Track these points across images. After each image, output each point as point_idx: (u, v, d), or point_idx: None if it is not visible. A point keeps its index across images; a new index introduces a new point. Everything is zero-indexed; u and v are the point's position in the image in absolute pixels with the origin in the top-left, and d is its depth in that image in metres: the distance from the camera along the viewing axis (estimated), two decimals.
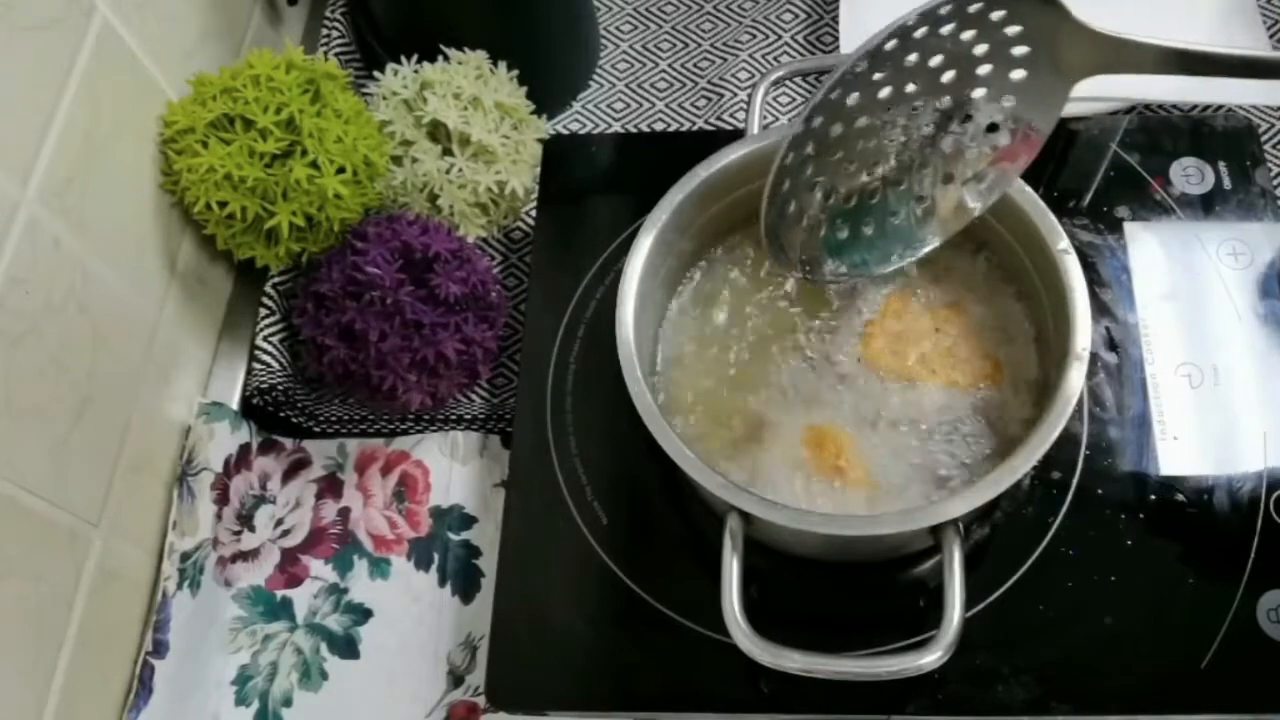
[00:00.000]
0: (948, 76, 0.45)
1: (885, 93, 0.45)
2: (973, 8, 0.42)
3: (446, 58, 0.65)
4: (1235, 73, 0.43)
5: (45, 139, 0.51)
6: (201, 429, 0.62)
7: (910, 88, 0.45)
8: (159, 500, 0.60)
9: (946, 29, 0.43)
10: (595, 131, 0.74)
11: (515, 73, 0.66)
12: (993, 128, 0.47)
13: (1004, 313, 0.54)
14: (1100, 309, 0.57)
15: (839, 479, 0.51)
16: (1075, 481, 0.54)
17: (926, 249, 0.52)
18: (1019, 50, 0.44)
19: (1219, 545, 0.52)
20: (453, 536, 0.61)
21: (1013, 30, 0.43)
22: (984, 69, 0.45)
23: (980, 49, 0.44)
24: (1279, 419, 0.54)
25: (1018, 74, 0.46)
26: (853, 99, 0.44)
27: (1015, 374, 0.53)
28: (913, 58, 0.43)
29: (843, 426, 0.52)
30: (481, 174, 0.63)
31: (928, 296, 0.55)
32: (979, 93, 0.46)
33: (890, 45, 0.42)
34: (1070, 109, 0.66)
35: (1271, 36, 0.70)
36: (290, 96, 0.57)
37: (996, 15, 0.42)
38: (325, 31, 0.76)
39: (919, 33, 0.42)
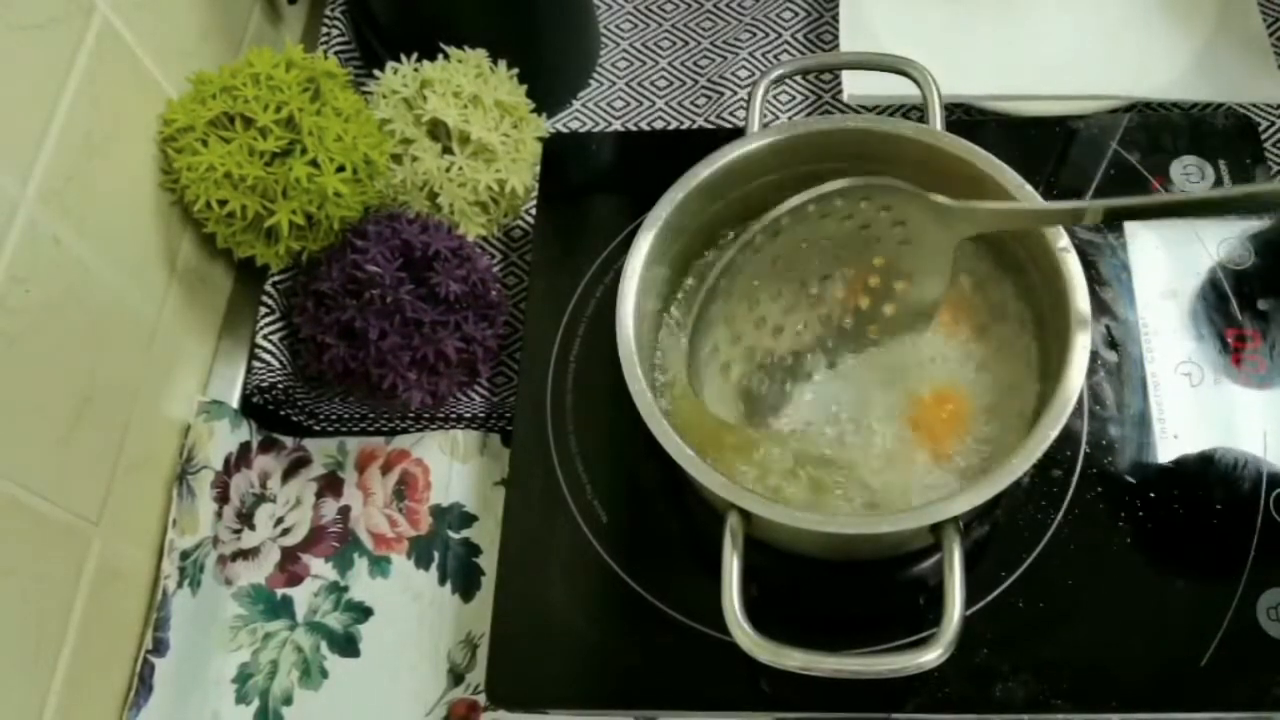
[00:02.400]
0: (841, 253, 0.51)
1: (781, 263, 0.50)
2: (862, 203, 0.49)
3: (446, 56, 0.65)
4: (1059, 221, 0.49)
5: (45, 138, 0.51)
6: (201, 427, 0.62)
7: (814, 263, 0.51)
8: (159, 499, 0.60)
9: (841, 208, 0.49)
10: (595, 130, 0.74)
11: (515, 71, 0.66)
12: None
13: (1003, 312, 0.55)
14: (1100, 307, 0.57)
15: (926, 440, 0.51)
16: (1075, 480, 0.54)
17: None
18: (897, 231, 0.50)
19: (1219, 543, 0.52)
20: (453, 535, 0.61)
21: (885, 215, 0.50)
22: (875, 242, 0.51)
23: (862, 227, 0.50)
24: (1279, 418, 0.54)
25: (901, 239, 0.51)
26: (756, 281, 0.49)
27: (1013, 374, 0.53)
28: (807, 237, 0.49)
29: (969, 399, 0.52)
30: (481, 172, 0.63)
31: None
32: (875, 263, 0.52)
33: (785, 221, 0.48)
34: (1071, 107, 0.67)
35: (1271, 35, 0.70)
36: (290, 95, 0.57)
37: (885, 211, 0.49)
38: (325, 30, 0.76)
39: (811, 208, 0.49)
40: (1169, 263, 0.59)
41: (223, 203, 0.57)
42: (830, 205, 0.48)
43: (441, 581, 0.60)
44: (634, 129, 0.73)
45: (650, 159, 0.66)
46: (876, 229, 0.50)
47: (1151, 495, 0.53)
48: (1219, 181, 0.61)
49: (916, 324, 0.53)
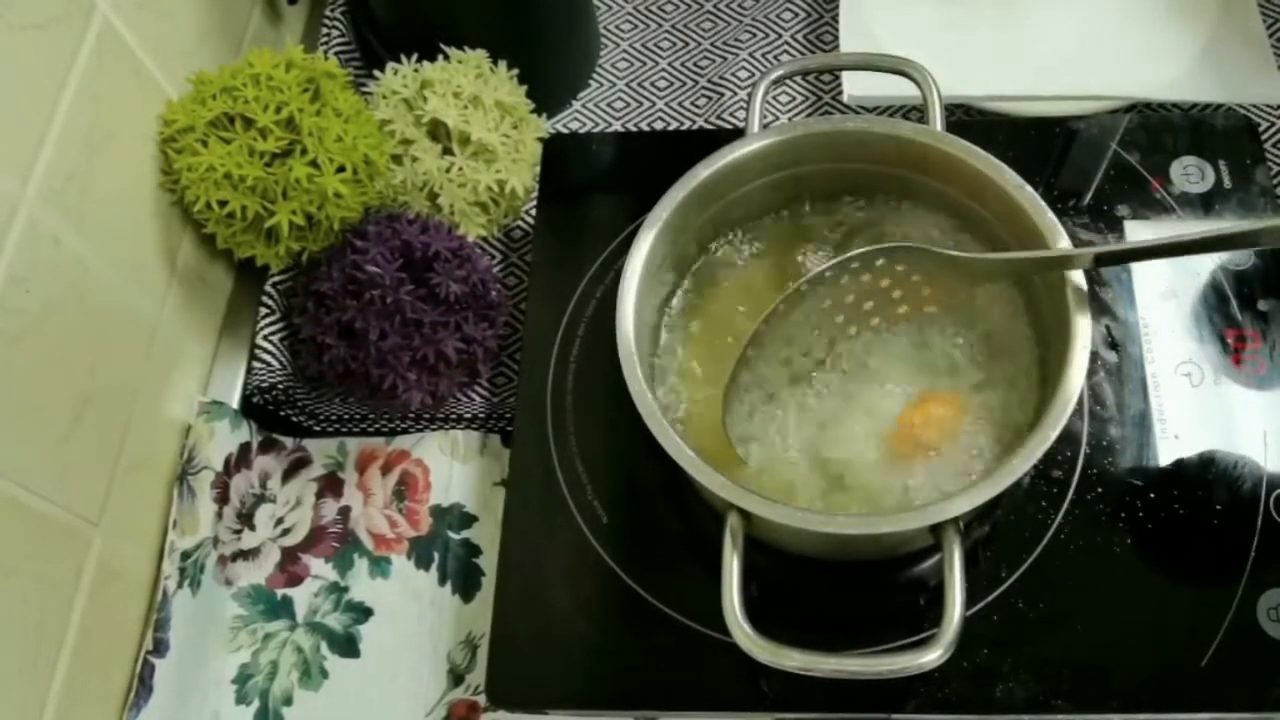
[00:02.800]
0: (868, 306, 0.53)
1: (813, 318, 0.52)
2: (878, 261, 0.51)
3: (446, 56, 0.65)
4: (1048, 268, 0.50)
5: (45, 138, 0.51)
6: (202, 428, 0.62)
7: (839, 319, 0.53)
8: (159, 499, 0.60)
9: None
10: (595, 130, 0.74)
11: (515, 71, 0.66)
12: None
13: (1002, 311, 0.55)
14: (1100, 307, 0.57)
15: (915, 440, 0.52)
16: (1075, 480, 0.54)
17: None
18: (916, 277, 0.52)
19: (1219, 544, 0.52)
20: (453, 535, 0.61)
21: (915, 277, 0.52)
22: (897, 293, 0.53)
23: (885, 282, 0.52)
24: (1279, 418, 0.54)
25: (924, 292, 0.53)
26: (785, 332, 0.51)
27: (1015, 374, 0.53)
28: (828, 303, 0.51)
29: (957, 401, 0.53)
30: (481, 173, 0.63)
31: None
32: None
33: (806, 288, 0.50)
34: (1071, 107, 0.67)
35: (1271, 35, 0.70)
36: (290, 95, 0.57)
37: (900, 267, 0.51)
38: (325, 30, 0.76)
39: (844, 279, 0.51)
40: (1169, 263, 0.59)
41: (223, 203, 0.57)
42: (846, 268, 0.50)
43: (441, 582, 0.60)
44: (634, 129, 0.73)
45: (650, 159, 0.66)
46: (894, 280, 0.51)
47: (1152, 496, 0.53)
48: (1219, 182, 0.61)
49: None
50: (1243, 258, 0.59)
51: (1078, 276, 0.48)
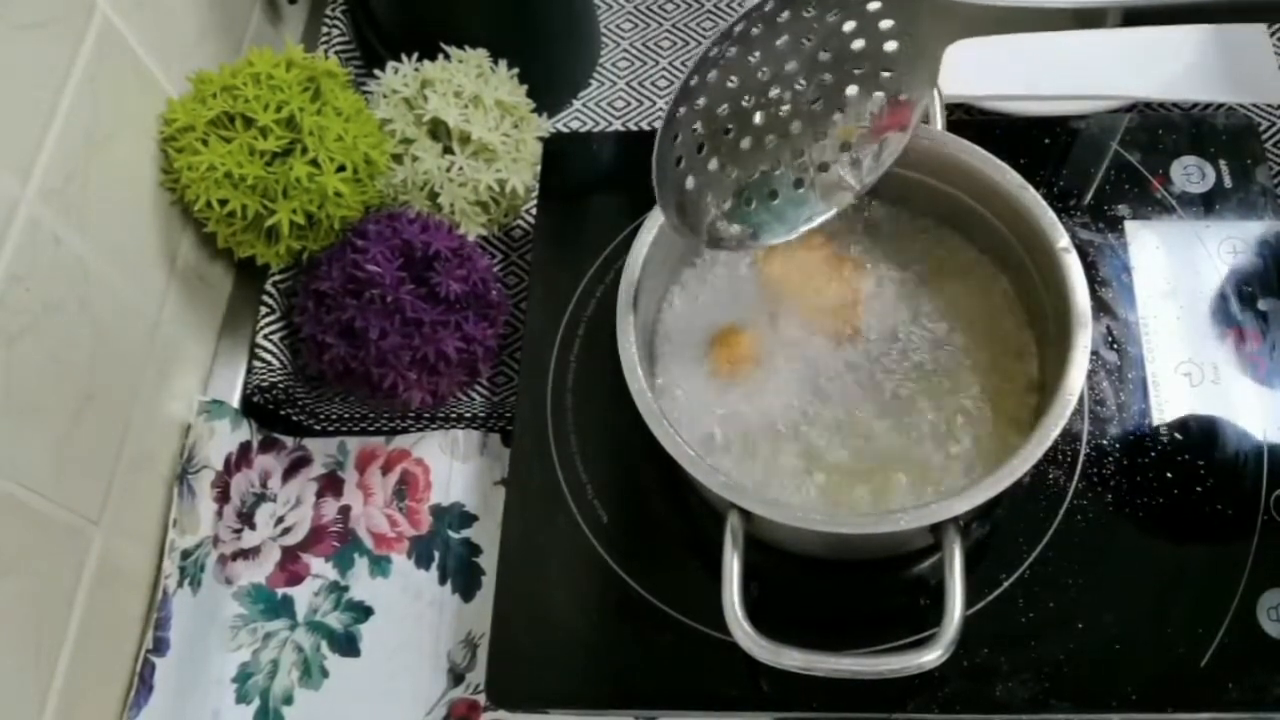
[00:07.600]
0: (824, 56, 0.47)
1: (764, 72, 0.46)
2: None
3: (447, 56, 0.65)
4: (1069, 25, 0.46)
5: (45, 137, 0.51)
6: (202, 427, 0.62)
7: (790, 66, 0.46)
8: (159, 498, 0.60)
9: (812, 11, 0.45)
10: (596, 130, 0.74)
11: (516, 71, 0.66)
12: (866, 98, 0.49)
13: (1002, 311, 0.55)
14: (1101, 307, 0.57)
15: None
16: (1075, 480, 0.54)
17: (815, 223, 0.52)
18: (885, 24, 0.46)
19: (1219, 543, 0.52)
20: (453, 534, 0.61)
21: (874, 7, 0.45)
22: (857, 44, 0.47)
23: (849, 26, 0.46)
24: (1279, 418, 0.54)
25: (889, 46, 0.47)
26: (732, 81, 0.46)
27: (1014, 372, 0.53)
28: (784, 39, 0.45)
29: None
30: (482, 172, 0.63)
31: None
32: (857, 69, 0.48)
33: (756, 30, 0.44)
34: (1071, 107, 0.67)
35: (1271, 35, 0.70)
36: (290, 94, 0.57)
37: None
38: (325, 29, 0.76)
39: (783, 16, 0.44)
40: (1169, 263, 0.59)
41: (223, 202, 0.57)
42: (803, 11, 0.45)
43: (442, 581, 0.60)
44: (635, 129, 0.73)
45: (651, 159, 0.66)
46: (864, 25, 0.47)
47: (1151, 495, 0.53)
48: (1219, 181, 0.61)
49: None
50: (1243, 256, 0.59)
51: (1078, 277, 0.48)
